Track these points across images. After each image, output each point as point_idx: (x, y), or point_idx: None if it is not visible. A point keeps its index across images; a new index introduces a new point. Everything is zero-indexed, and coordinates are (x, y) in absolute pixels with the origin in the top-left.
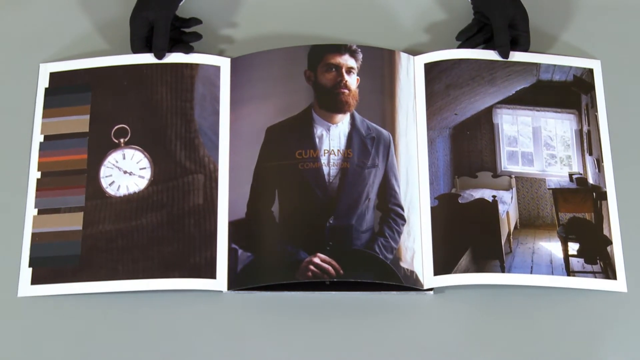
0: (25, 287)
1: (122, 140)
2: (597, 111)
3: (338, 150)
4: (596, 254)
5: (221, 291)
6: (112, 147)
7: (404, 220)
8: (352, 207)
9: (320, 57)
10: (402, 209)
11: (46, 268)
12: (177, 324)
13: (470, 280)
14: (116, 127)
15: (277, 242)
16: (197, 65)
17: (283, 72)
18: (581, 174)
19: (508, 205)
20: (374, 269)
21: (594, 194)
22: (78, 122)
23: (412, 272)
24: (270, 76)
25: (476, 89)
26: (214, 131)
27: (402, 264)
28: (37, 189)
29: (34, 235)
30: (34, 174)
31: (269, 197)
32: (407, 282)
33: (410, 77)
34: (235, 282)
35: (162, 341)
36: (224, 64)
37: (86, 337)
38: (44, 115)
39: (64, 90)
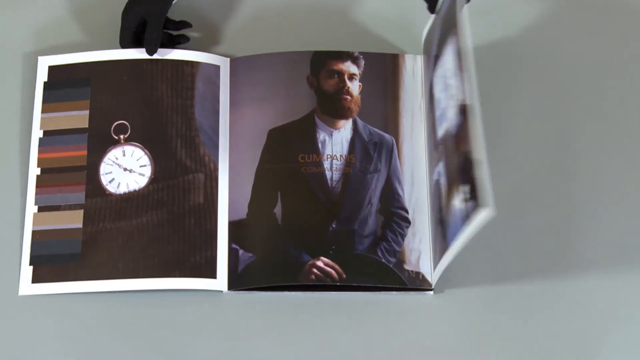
0: (26, 286)
1: (122, 136)
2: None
3: (340, 155)
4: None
5: (221, 291)
6: (112, 144)
7: (409, 222)
8: (355, 212)
9: (322, 63)
10: (407, 212)
11: (47, 266)
12: (177, 324)
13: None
14: (116, 123)
15: (280, 243)
16: (197, 63)
17: (285, 76)
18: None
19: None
20: (376, 273)
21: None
22: (77, 117)
23: (417, 273)
24: (271, 79)
25: None
26: (214, 130)
27: (406, 267)
28: (37, 186)
29: (34, 232)
30: (34, 170)
31: (271, 198)
32: (412, 284)
33: (417, 77)
34: (236, 282)
35: (162, 341)
36: (224, 64)
37: (86, 337)
38: (43, 110)
39: (63, 84)
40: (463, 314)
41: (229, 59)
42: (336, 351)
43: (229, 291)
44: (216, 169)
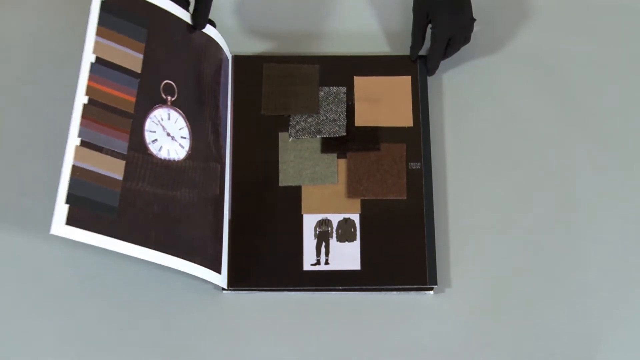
0: (59, 226)
1: (169, 98)
2: None
3: None
4: None
5: (221, 290)
6: (159, 102)
7: None
8: None
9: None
10: None
11: (83, 210)
12: (177, 323)
13: None
14: (165, 82)
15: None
16: (222, 50)
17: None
18: None
19: None
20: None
21: None
22: (132, 57)
23: None
24: None
25: None
26: (225, 124)
27: None
28: (83, 116)
29: (74, 168)
30: (81, 97)
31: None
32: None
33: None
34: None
35: (161, 339)
36: (229, 59)
37: (85, 333)
38: (98, 33)
39: (122, 13)
40: (463, 314)
41: (231, 55)
42: (336, 351)
43: (229, 290)
44: (225, 164)
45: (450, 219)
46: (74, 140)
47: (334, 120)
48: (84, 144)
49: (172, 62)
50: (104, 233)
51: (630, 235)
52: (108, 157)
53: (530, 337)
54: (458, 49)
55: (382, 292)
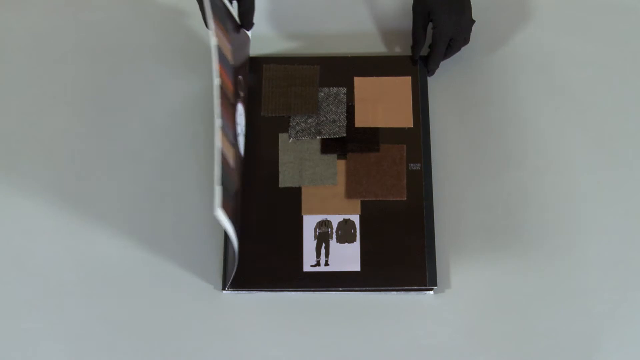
0: (216, 207)
1: (241, 93)
2: None
3: None
4: None
5: (221, 291)
6: (238, 97)
7: None
8: None
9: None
10: None
11: (224, 194)
12: (177, 323)
13: None
14: (239, 77)
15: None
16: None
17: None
18: None
19: None
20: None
21: None
22: (227, 47)
23: None
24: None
25: None
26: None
27: None
28: (221, 98)
29: (222, 153)
30: (216, 80)
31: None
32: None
33: None
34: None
35: (160, 340)
36: None
37: (84, 334)
38: (214, 17)
39: (217, 2)
40: (463, 314)
41: None
42: (336, 351)
43: (229, 290)
44: None
45: (450, 220)
46: (217, 121)
47: (334, 121)
48: (222, 127)
49: (240, 55)
50: (228, 217)
51: (630, 234)
52: (227, 143)
53: (530, 337)
54: (458, 50)
55: (382, 293)
